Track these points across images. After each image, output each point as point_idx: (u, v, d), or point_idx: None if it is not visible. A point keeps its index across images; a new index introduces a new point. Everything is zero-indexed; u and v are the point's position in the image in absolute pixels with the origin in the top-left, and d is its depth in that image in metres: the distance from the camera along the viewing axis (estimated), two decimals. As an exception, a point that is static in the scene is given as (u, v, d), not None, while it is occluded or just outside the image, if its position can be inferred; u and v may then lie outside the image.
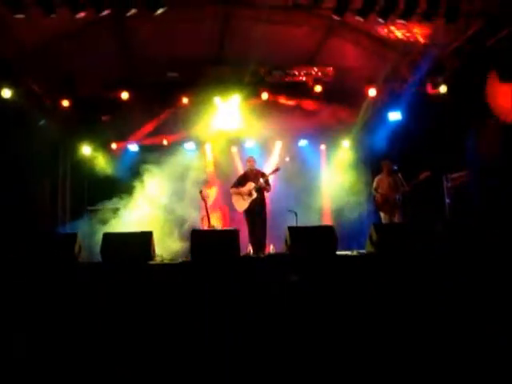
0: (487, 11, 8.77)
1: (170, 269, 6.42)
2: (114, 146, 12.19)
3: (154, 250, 7.05)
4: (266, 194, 9.36)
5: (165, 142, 12.36)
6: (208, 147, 12.73)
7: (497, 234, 7.18)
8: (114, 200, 11.30)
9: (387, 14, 8.28)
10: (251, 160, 9.44)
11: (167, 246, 9.87)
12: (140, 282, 5.98)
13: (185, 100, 11.31)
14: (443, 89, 10.77)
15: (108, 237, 7.00)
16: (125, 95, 10.94)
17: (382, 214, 9.83)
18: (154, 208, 11.17)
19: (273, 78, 11.14)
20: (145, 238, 6.99)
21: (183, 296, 5.85)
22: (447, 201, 11.18)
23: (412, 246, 6.97)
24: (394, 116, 11.80)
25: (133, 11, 7.89)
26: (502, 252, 6.52)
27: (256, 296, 5.89)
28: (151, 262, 6.70)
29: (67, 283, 5.89)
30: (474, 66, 9.67)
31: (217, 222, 11.06)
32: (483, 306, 5.81)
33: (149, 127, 12.05)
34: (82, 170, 11.92)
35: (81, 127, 11.65)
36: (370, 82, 11.41)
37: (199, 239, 6.90)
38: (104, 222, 10.86)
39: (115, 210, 11.16)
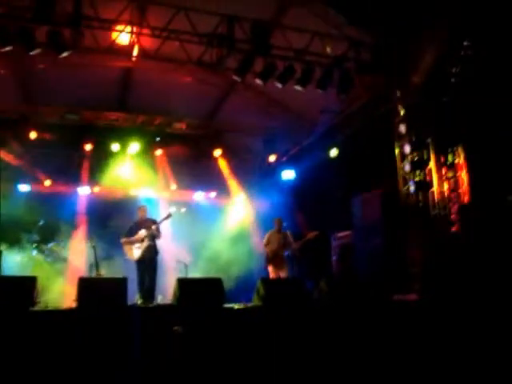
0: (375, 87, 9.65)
1: (53, 316, 6.22)
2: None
3: (37, 296, 6.79)
4: (158, 243, 9.29)
5: (46, 183, 11.95)
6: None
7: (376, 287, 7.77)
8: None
9: (285, 80, 8.83)
10: (143, 209, 9.37)
11: (52, 292, 9.45)
12: (21, 329, 5.74)
13: (88, 147, 11.41)
14: (334, 152, 11.43)
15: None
16: (33, 134, 10.75)
17: (270, 269, 10.07)
18: (41, 252, 10.62)
19: (173, 130, 11.41)
20: (28, 283, 6.74)
21: (66, 344, 5.69)
22: (333, 257, 11.73)
23: (297, 299, 7.29)
24: (288, 175, 12.33)
25: (37, 51, 7.83)
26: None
27: (142, 346, 5.86)
28: (33, 309, 6.46)
29: None
30: (364, 134, 10.44)
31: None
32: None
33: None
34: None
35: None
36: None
37: (86, 287, 6.77)
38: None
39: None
